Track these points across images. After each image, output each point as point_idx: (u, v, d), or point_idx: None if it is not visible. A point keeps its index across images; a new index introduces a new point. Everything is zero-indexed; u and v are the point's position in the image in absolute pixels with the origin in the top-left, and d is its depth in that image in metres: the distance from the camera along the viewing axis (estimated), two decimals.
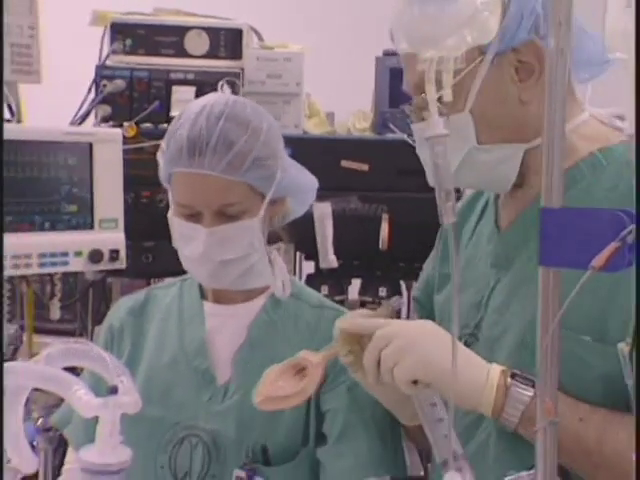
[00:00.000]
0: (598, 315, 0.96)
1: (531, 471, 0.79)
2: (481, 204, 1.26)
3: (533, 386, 0.97)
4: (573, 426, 0.93)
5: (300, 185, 1.29)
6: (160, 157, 1.23)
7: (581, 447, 0.93)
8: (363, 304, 2.09)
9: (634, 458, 0.74)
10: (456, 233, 0.90)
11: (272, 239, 1.32)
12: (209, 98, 1.22)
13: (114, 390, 0.91)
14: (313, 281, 2.04)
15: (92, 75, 1.93)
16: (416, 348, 0.99)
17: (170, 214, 1.24)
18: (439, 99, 1.00)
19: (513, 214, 1.14)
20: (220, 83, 1.27)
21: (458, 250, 0.88)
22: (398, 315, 1.39)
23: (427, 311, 1.31)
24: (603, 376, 0.96)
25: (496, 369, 0.99)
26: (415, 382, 1.00)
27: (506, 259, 1.12)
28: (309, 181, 1.31)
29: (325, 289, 2.03)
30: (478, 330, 1.13)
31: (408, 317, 2.25)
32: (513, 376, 0.98)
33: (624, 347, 0.93)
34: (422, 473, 1.79)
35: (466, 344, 1.13)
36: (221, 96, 1.23)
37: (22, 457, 0.99)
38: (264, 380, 1.03)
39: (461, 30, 0.83)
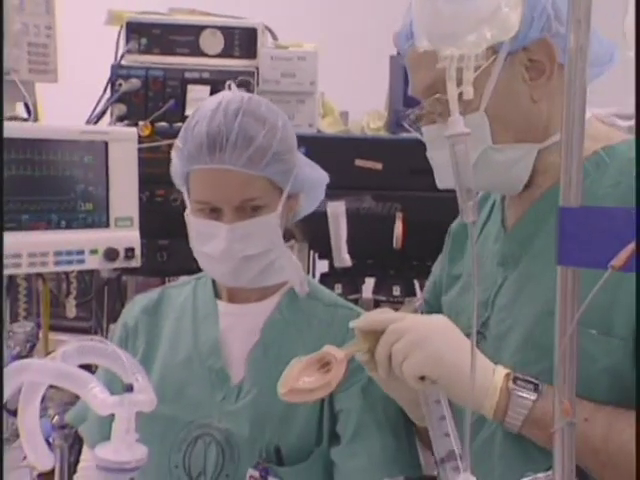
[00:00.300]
0: (604, 308, 0.96)
1: (549, 472, 0.78)
2: (489, 205, 1.27)
3: (536, 389, 0.97)
4: (579, 426, 0.92)
5: (313, 181, 1.30)
6: (175, 156, 1.23)
7: (588, 447, 0.93)
8: (377, 303, 2.09)
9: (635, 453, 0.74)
10: (469, 233, 0.89)
11: (285, 237, 1.32)
12: (223, 96, 1.22)
13: (130, 388, 0.91)
14: (327, 280, 2.04)
15: (108, 74, 1.94)
16: (426, 344, 0.99)
17: (187, 212, 1.24)
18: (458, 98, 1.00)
19: (519, 213, 1.15)
20: (227, 83, 1.27)
21: (475, 248, 0.87)
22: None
23: (435, 312, 1.31)
24: (608, 369, 0.96)
25: (501, 372, 0.99)
26: (423, 378, 1.00)
27: (512, 258, 1.13)
28: (321, 177, 1.32)
29: (339, 288, 2.03)
30: (485, 328, 1.14)
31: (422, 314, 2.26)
32: (516, 380, 0.98)
33: None
34: (436, 473, 1.78)
35: None
36: (235, 93, 1.23)
37: (38, 454, 0.99)
38: (289, 372, 1.03)
39: (481, 27, 0.82)
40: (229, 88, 1.27)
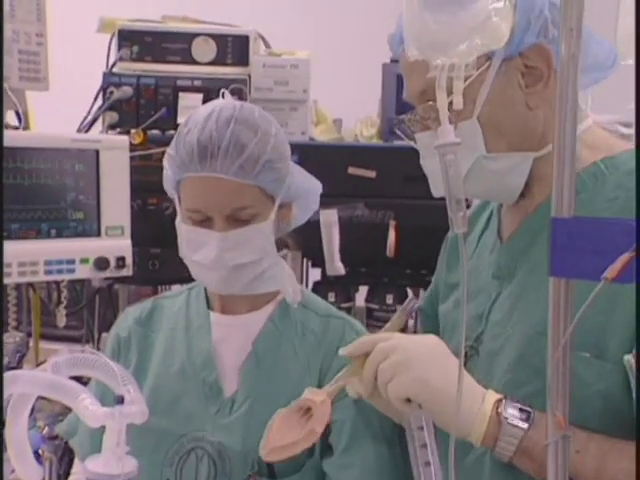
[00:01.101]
0: (597, 330, 0.94)
1: None
2: (487, 214, 1.25)
3: (528, 418, 0.94)
4: (570, 458, 0.91)
5: (306, 190, 1.29)
6: (167, 164, 1.22)
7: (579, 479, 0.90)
8: (370, 311, 2.09)
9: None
10: (459, 244, 0.88)
11: (278, 246, 1.31)
12: (216, 103, 1.21)
13: (121, 400, 0.90)
14: (320, 288, 2.03)
15: (99, 82, 1.93)
16: (412, 366, 0.97)
17: (178, 221, 1.23)
18: (448, 107, 0.99)
19: (515, 224, 1.13)
20: (222, 91, 1.27)
21: (468, 260, 0.86)
22: (416, 316, 1.37)
23: (432, 321, 1.30)
24: (601, 393, 0.94)
25: (491, 399, 0.96)
26: (409, 400, 0.98)
27: (507, 271, 1.10)
28: (314, 186, 1.31)
29: (332, 296, 2.03)
30: (479, 343, 1.12)
31: (416, 325, 2.25)
32: (507, 407, 0.95)
33: (631, 359, 0.91)
34: None
35: (466, 357, 1.11)
36: (228, 101, 1.23)
37: (26, 467, 0.98)
38: (269, 429, 1.00)
39: (472, 36, 0.82)
40: (222, 96, 1.26)
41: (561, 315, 0.74)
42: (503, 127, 1.03)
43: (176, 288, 1.43)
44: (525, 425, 0.93)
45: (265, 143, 1.17)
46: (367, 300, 2.12)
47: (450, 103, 0.88)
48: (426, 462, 0.99)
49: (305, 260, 2.11)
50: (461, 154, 0.96)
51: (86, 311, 2.05)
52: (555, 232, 0.73)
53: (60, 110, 1.99)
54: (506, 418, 0.94)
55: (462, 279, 0.88)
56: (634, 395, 0.91)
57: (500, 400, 0.96)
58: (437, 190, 1.10)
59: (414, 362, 0.97)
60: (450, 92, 0.86)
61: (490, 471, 1.05)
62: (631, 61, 0.76)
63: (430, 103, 1.02)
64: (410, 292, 2.16)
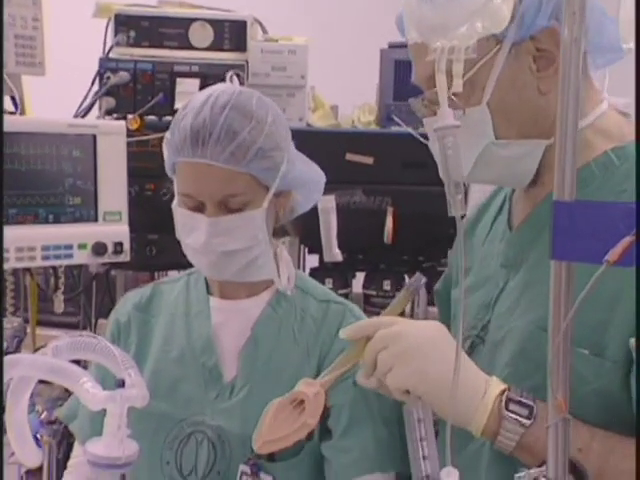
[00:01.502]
0: (597, 328, 0.93)
1: (542, 467, 0.78)
2: (500, 199, 1.22)
3: (530, 414, 0.92)
4: (572, 456, 0.90)
5: (307, 179, 1.27)
6: (165, 147, 1.22)
7: None
8: (367, 297, 2.09)
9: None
10: (457, 227, 0.88)
11: (279, 233, 1.31)
12: (215, 88, 1.20)
13: (121, 383, 0.91)
14: (317, 275, 2.03)
15: (95, 68, 1.92)
16: (412, 357, 0.95)
17: (174, 204, 1.23)
18: (457, 92, 0.96)
19: (524, 214, 1.11)
20: (229, 74, 1.26)
21: (465, 244, 0.85)
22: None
23: (446, 304, 1.29)
24: (598, 391, 0.93)
25: (494, 391, 0.94)
26: (408, 391, 0.97)
27: (515, 261, 1.09)
28: (316, 175, 1.30)
29: (329, 282, 2.03)
30: (485, 332, 1.11)
31: (412, 310, 2.26)
32: (509, 401, 0.93)
33: (633, 343, 0.91)
34: None
35: (472, 345, 1.10)
36: (228, 86, 1.22)
37: (26, 450, 0.98)
38: (262, 421, 0.99)
39: (472, 19, 0.81)
40: (230, 80, 1.25)
41: (562, 298, 0.74)
42: (514, 113, 1.00)
43: (173, 274, 1.43)
44: (527, 422, 0.92)
45: (259, 131, 1.17)
46: (364, 286, 2.12)
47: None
48: (423, 456, 0.98)
49: (302, 247, 2.12)
50: (470, 141, 0.95)
51: (83, 297, 2.05)
52: (557, 216, 0.73)
53: (55, 96, 1.98)
54: (507, 413, 0.92)
55: (460, 264, 0.88)
56: (633, 382, 0.91)
57: (503, 392, 0.94)
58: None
59: (414, 353, 0.95)
60: (451, 75, 0.85)
61: (488, 462, 1.05)
62: (632, 44, 0.76)
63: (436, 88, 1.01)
64: (407, 278, 2.17)
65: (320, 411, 1.00)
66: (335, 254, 1.91)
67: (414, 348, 0.96)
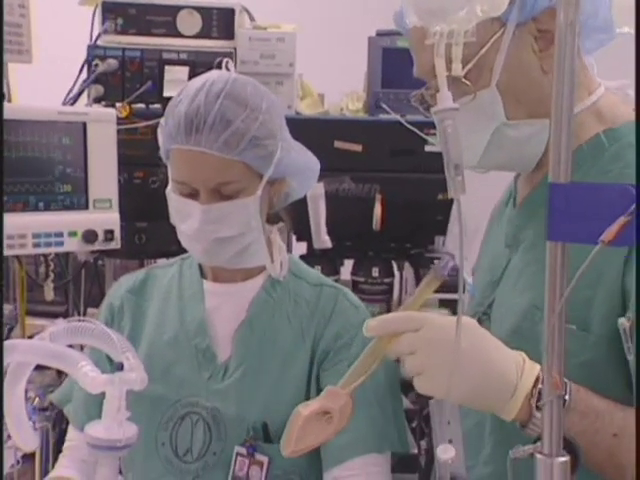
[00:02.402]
0: (584, 304, 0.95)
1: (537, 443, 0.80)
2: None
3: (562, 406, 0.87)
4: (606, 442, 0.89)
5: (301, 166, 1.28)
6: (160, 133, 1.23)
7: (613, 462, 0.89)
8: (355, 284, 2.11)
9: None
10: (457, 210, 0.88)
11: (273, 219, 1.32)
12: (210, 75, 1.21)
13: (120, 367, 0.91)
14: (305, 262, 2.03)
15: (84, 55, 1.91)
16: (439, 370, 0.89)
17: (168, 190, 1.24)
18: (466, 75, 0.98)
19: (524, 194, 1.14)
20: (225, 60, 1.26)
21: (462, 226, 0.84)
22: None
23: None
24: (583, 363, 0.95)
25: (521, 391, 0.89)
26: None
27: (514, 240, 1.12)
28: (311, 162, 1.31)
29: (318, 270, 2.02)
30: (491, 309, 1.13)
31: (400, 296, 2.28)
32: (540, 400, 0.87)
33: (625, 322, 0.94)
34: (416, 451, 1.81)
35: (479, 322, 1.11)
36: (223, 74, 1.22)
37: (23, 435, 0.99)
38: (290, 430, 0.96)
39: (471, 2, 0.82)
40: (227, 67, 1.25)
41: (557, 278, 0.76)
42: (521, 93, 1.02)
43: (162, 262, 1.43)
44: None
45: (253, 119, 1.17)
46: (353, 273, 2.14)
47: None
48: (451, 458, 0.92)
49: (290, 234, 2.12)
50: (481, 123, 0.96)
51: (72, 286, 2.04)
52: (552, 197, 0.75)
53: (43, 83, 1.97)
54: (537, 414, 0.89)
55: (460, 246, 0.88)
56: (629, 359, 0.93)
57: (536, 382, 0.90)
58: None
59: (440, 365, 0.89)
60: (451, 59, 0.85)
61: (489, 435, 1.07)
62: (627, 29, 0.77)
63: (446, 74, 1.02)
64: (395, 265, 2.19)
65: (348, 419, 0.98)
66: (324, 241, 1.92)
67: (441, 358, 0.89)
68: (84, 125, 1.63)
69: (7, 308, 1.71)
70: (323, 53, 2.65)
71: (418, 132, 1.51)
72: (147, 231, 1.96)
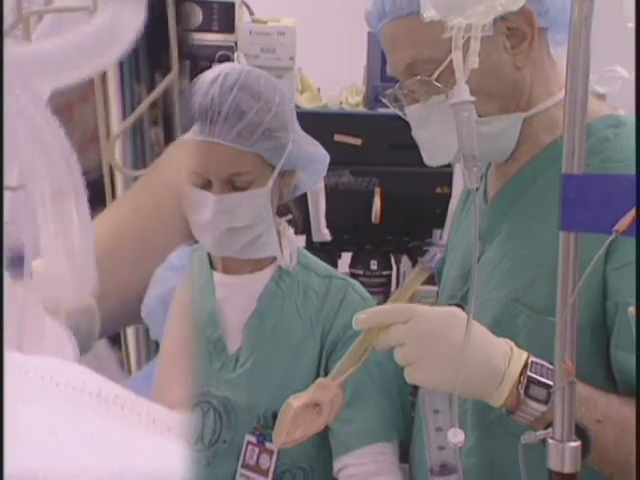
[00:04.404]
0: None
1: (548, 430, 0.81)
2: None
3: (547, 399, 0.89)
4: (590, 428, 0.88)
5: (311, 158, 1.30)
6: None
7: (597, 446, 0.88)
8: (354, 277, 2.12)
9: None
10: (473, 199, 0.90)
11: (283, 211, 1.33)
12: (223, 67, 1.22)
13: None
14: None
15: None
16: (429, 361, 0.90)
17: (182, 179, 1.25)
18: (429, 77, 1.01)
19: (497, 187, 1.15)
20: (236, 54, 1.28)
21: (480, 217, 0.84)
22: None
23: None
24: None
25: (510, 378, 0.90)
26: None
27: (487, 233, 1.12)
28: (320, 154, 1.32)
29: None
30: (465, 302, 1.12)
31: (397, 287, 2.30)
32: (529, 385, 0.90)
33: (632, 311, 0.96)
34: None
35: None
36: (236, 66, 1.24)
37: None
38: (280, 422, 0.97)
39: None
40: (238, 59, 1.27)
41: (570, 267, 0.78)
42: (493, 90, 1.04)
43: None
44: (543, 408, 0.90)
45: (266, 111, 1.19)
46: (351, 266, 2.16)
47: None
48: (440, 446, 0.96)
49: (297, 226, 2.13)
50: (454, 122, 0.97)
51: None
52: (565, 188, 0.77)
53: None
54: (527, 400, 0.90)
55: (474, 236, 0.90)
56: (596, 345, 0.95)
57: (523, 369, 0.91)
58: (432, 160, 1.11)
59: (430, 356, 0.90)
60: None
61: (472, 428, 1.07)
62: (630, 25, 0.78)
63: (418, 77, 1.03)
64: (393, 258, 2.21)
65: (338, 411, 0.99)
66: (324, 234, 1.93)
67: (430, 349, 0.90)
68: None
69: None
70: (322, 47, 2.66)
71: None
72: None
